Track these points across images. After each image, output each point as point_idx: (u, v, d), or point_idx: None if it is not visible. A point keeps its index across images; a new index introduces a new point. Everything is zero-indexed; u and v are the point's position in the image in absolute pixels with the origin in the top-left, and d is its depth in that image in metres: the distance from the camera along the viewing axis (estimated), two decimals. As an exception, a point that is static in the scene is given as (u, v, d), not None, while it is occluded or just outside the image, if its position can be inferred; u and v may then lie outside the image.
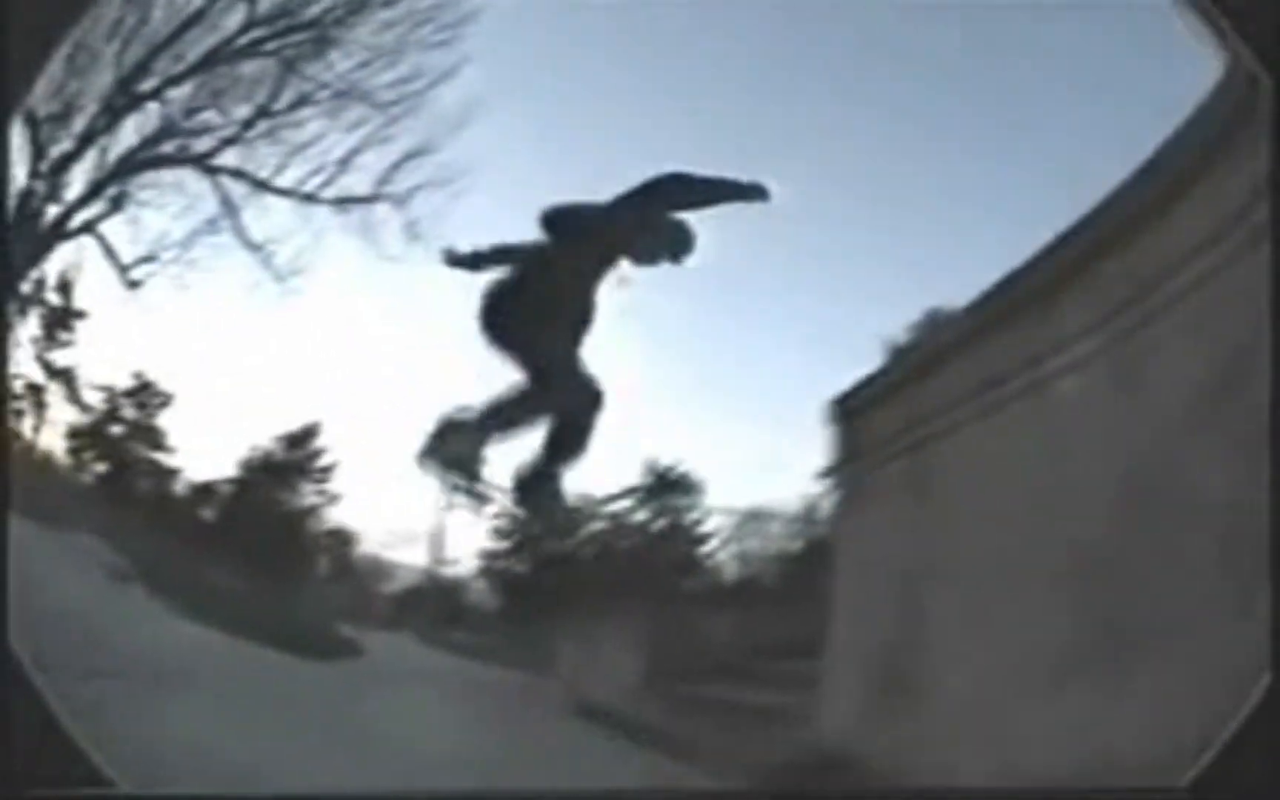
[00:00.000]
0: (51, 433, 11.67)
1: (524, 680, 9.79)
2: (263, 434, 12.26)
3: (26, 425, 11.06)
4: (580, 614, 9.52)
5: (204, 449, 12.40)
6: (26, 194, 10.04)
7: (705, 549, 10.25)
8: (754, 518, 9.61)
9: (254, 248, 10.12)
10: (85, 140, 10.28)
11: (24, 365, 10.80)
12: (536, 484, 5.60)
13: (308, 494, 12.12)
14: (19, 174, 9.96)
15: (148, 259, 10.30)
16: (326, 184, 10.07)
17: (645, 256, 5.71)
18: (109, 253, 10.46)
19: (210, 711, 5.09)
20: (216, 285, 10.13)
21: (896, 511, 5.00)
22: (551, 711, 8.41)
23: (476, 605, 11.57)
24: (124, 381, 12.03)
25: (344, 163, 10.04)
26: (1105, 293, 3.79)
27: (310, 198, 10.05)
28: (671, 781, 5.58)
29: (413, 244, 9.43)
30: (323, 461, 12.21)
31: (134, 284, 10.18)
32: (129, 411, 12.32)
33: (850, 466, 5.54)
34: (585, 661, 9.07)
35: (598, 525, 10.76)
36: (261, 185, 10.25)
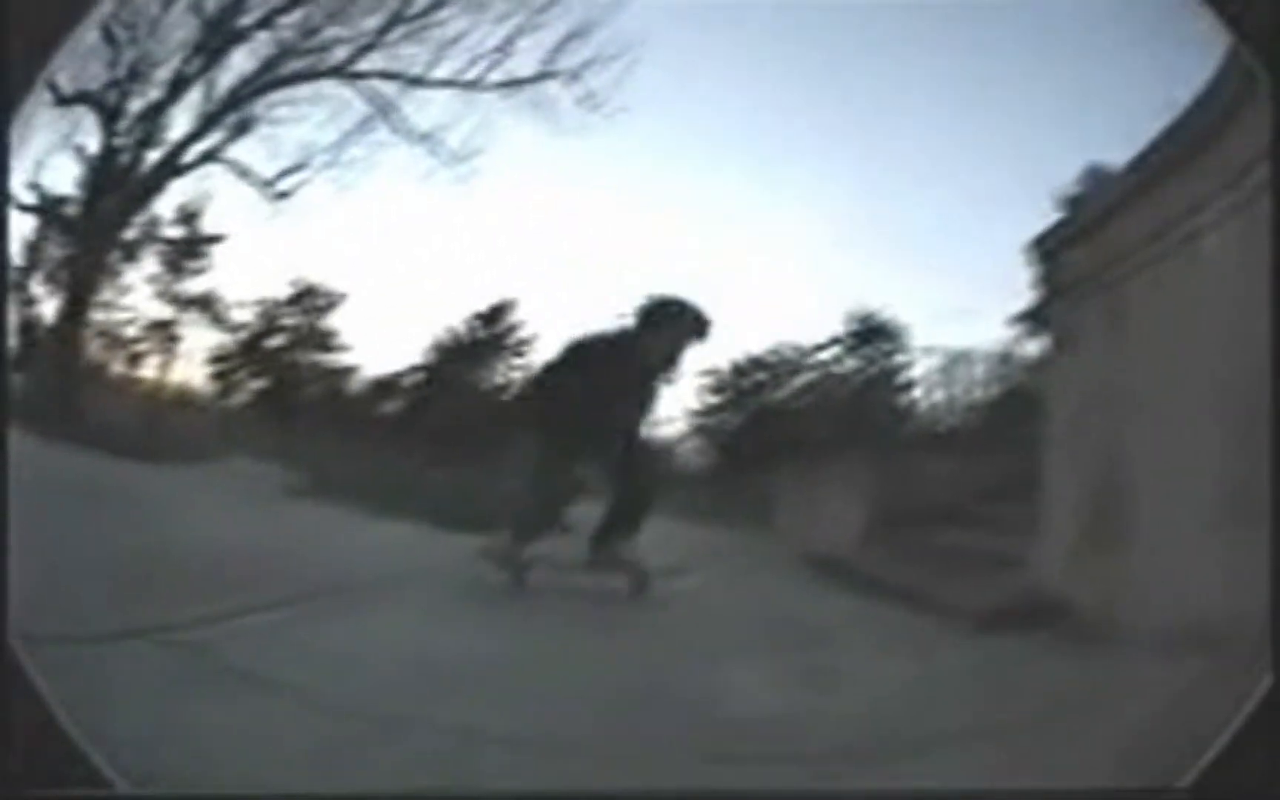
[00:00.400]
0: (186, 366, 12.27)
1: (744, 537, 10.23)
2: (451, 317, 12.44)
3: (150, 366, 11.76)
4: (797, 465, 9.95)
5: (383, 343, 12.48)
6: (107, 154, 10.78)
7: (914, 395, 10.41)
8: (956, 363, 9.72)
9: (419, 139, 10.47)
10: (176, 87, 10.89)
11: (142, 306, 11.58)
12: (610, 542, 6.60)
13: (505, 370, 12.37)
14: (90, 142, 10.81)
15: (295, 169, 10.80)
16: (488, 71, 10.27)
17: (670, 356, 6.54)
18: (244, 173, 11.05)
19: (422, 612, 5.36)
20: (380, 181, 10.41)
21: (1094, 352, 5.32)
22: (775, 566, 8.83)
23: (690, 465, 12.01)
24: (281, 292, 12.36)
25: (501, 50, 10.19)
26: (1229, 157, 4.01)
27: (473, 84, 10.28)
28: (898, 628, 5.80)
29: (590, 115, 9.62)
30: (519, 335, 12.37)
31: (282, 195, 10.72)
32: (290, 320, 12.68)
33: (1050, 307, 5.86)
34: (805, 513, 9.57)
35: (808, 375, 11.16)
36: (416, 82, 10.55)
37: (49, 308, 11.02)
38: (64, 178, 10.83)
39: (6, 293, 3.21)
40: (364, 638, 4.64)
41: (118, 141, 10.84)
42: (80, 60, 9.87)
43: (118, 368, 12.14)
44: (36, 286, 11.16)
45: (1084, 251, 5.46)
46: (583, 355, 6.66)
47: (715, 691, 4.06)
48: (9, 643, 2.45)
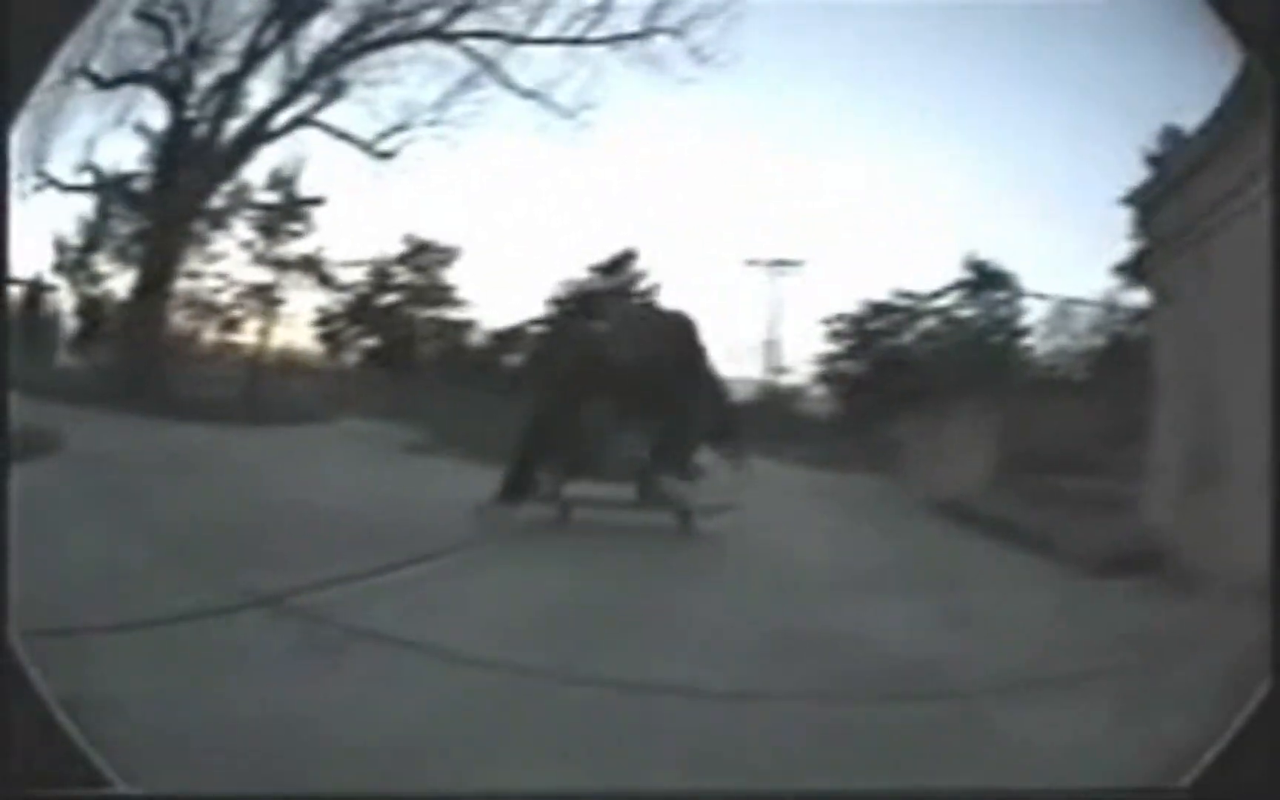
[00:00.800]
0: (288, 329, 12.26)
1: (871, 483, 10.40)
2: (573, 268, 12.33)
3: (247, 331, 11.82)
4: (921, 410, 10.12)
5: (501, 296, 12.29)
6: (176, 129, 11.04)
7: (1029, 342, 10.43)
8: (1065, 311, 9.77)
9: (529, 94, 10.48)
10: (251, 57, 11.03)
11: (235, 272, 11.68)
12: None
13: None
14: (155, 117, 11.15)
15: (398, 128, 10.90)
16: (590, 28, 10.26)
17: (646, 358, 6.92)
18: (343, 136, 11.15)
19: (569, 557, 5.68)
20: (490, 135, 10.42)
21: (1192, 302, 5.53)
22: (904, 510, 9.10)
23: (816, 411, 12.16)
24: (393, 249, 12.16)
25: (602, 7, 10.16)
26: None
27: (579, 41, 10.28)
28: (1024, 571, 6.11)
29: (701, 66, 9.65)
30: (644, 284, 12.24)
31: (385, 155, 10.82)
32: (404, 276, 12.66)
33: (1148, 260, 6.06)
34: (929, 458, 9.89)
35: (929, 321, 11.26)
36: (518, 40, 10.54)
37: (121, 283, 11.31)
38: (126, 155, 11.11)
39: (6, 290, 3.27)
40: (494, 590, 4.86)
41: (189, 115, 11.19)
42: (119, 45, 10.34)
43: (210, 335, 12.24)
44: (103, 264, 11.55)
45: (1174, 207, 5.66)
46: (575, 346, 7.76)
47: (855, 631, 4.38)
48: (9, 643, 2.43)
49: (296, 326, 12.07)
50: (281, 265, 12.01)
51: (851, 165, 9.82)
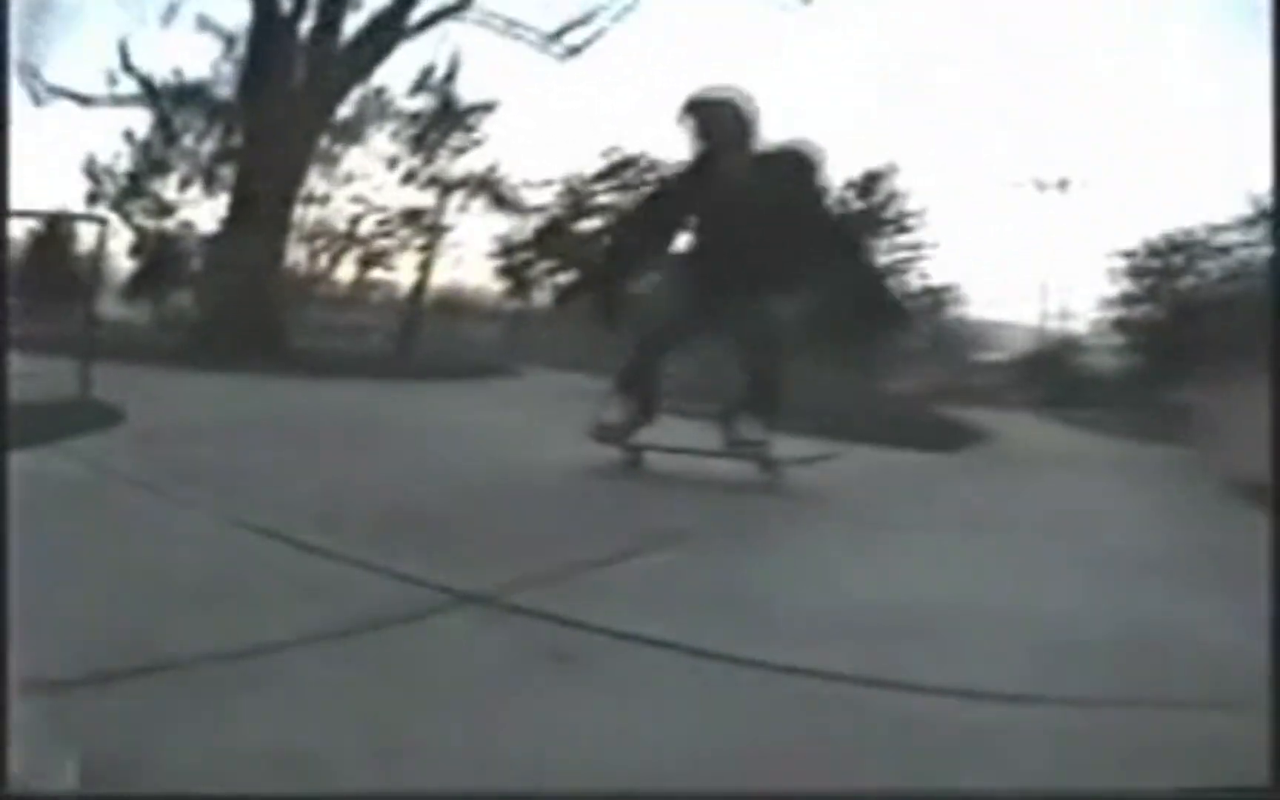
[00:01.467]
0: (452, 264, 10.56)
1: (1163, 454, 9.55)
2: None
3: (399, 266, 10.15)
4: (1215, 368, 8.99)
5: None
6: (266, 21, 9.57)
7: None
8: None
9: None
10: None
11: (375, 196, 9.81)
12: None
13: (883, 248, 10.23)
14: (228, 10, 10.46)
15: (579, 22, 10.06)
16: None
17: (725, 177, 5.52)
18: (511, 27, 10.10)
19: (844, 537, 4.91)
20: (699, 29, 9.84)
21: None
22: (1201, 490, 8.13)
23: (1098, 366, 11.19)
24: (587, 165, 11.09)
25: None
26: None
27: None
28: None
29: None
30: (903, 206, 10.74)
31: (574, 50, 9.69)
32: (605, 198, 11.28)
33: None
34: (1227, 427, 8.74)
35: (1223, 260, 9.94)
36: None
37: (205, 212, 10.40)
38: (184, 58, 10.90)
39: (5, 288, 2.77)
40: (739, 578, 3.98)
41: (283, 6, 9.82)
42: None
43: (345, 273, 11.01)
44: (171, 190, 10.26)
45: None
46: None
47: (1142, 627, 3.67)
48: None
49: (464, 261, 10.96)
50: (443, 186, 10.79)
51: (1126, 89, 9.05)
